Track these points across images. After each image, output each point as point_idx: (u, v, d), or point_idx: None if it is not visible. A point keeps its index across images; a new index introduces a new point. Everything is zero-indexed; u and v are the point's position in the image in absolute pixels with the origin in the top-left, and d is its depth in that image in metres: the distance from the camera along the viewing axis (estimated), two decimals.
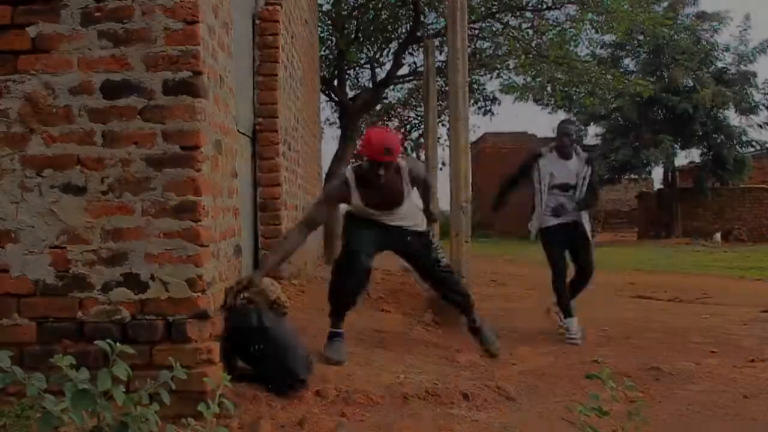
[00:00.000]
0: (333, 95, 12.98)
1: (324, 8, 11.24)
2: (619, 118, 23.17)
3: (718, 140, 22.37)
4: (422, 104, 17.97)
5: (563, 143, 4.99)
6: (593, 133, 25.45)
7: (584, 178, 4.98)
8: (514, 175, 5.32)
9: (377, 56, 13.64)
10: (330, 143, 31.93)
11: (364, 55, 13.56)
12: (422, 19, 11.63)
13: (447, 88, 6.36)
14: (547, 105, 21.89)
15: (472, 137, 24.69)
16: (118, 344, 1.81)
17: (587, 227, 5.03)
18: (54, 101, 2.53)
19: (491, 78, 14.40)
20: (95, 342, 1.95)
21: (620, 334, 5.11)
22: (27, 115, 2.53)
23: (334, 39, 11.70)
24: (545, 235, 5.02)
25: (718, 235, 20.54)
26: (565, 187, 4.99)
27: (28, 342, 2.50)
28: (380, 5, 11.99)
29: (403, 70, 13.75)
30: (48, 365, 2.11)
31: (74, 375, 1.71)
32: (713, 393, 3.40)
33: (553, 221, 4.96)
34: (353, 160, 25.07)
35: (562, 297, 4.97)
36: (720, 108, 21.78)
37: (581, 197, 4.97)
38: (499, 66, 12.65)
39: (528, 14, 11.50)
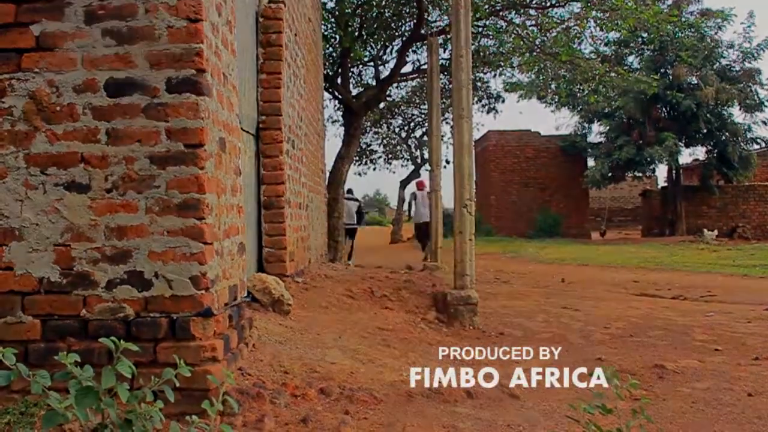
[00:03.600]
0: (336, 93, 12.97)
1: (328, 6, 11.23)
2: (623, 116, 23.13)
3: (723, 137, 22.31)
4: (426, 102, 17.97)
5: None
6: (597, 131, 25.42)
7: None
8: None
9: (381, 54, 13.65)
10: (333, 141, 31.99)
11: (367, 53, 13.56)
12: (426, 16, 11.62)
13: (451, 86, 6.35)
14: (551, 103, 21.84)
15: (476, 135, 24.79)
16: (122, 342, 1.81)
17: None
18: (58, 99, 2.53)
19: (495, 76, 14.40)
20: (99, 339, 1.96)
21: (624, 331, 5.10)
22: (31, 113, 2.53)
23: (337, 37, 11.69)
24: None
25: (712, 233, 20.42)
26: None
27: (33, 339, 2.50)
28: (384, 3, 11.97)
29: (407, 68, 13.78)
30: (52, 363, 2.12)
31: (78, 372, 1.71)
32: (717, 391, 3.39)
33: None
34: (356, 158, 24.98)
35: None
36: (724, 105, 21.72)
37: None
38: (503, 64, 12.64)
39: (532, 12, 11.48)
